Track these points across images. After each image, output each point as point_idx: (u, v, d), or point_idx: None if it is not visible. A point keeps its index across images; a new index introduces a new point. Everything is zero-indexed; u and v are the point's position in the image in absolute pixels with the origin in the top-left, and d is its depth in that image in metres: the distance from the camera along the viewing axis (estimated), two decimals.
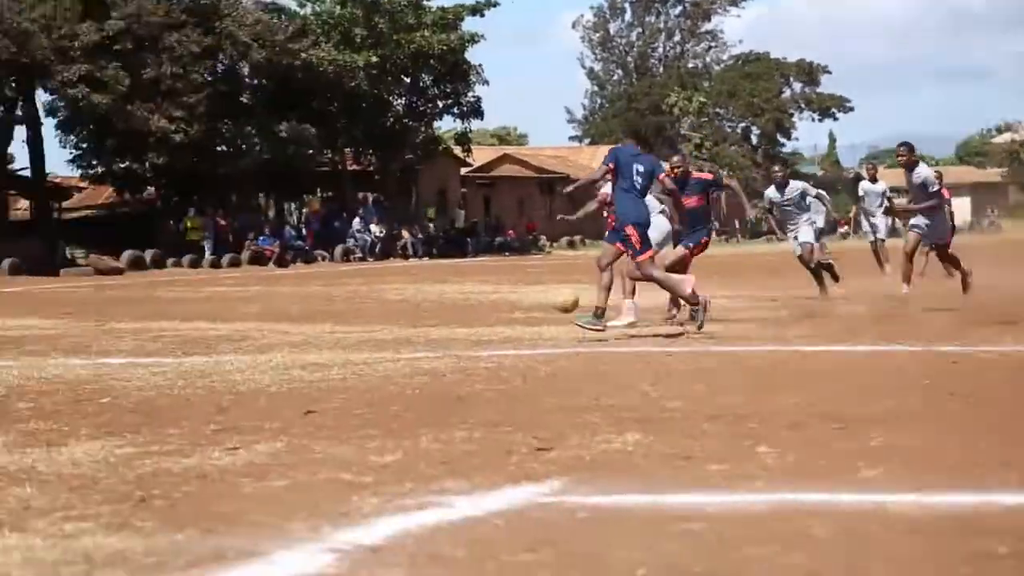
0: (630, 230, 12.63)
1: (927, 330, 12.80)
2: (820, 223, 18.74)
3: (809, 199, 18.24)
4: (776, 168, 22.97)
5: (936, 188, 16.12)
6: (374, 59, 49.28)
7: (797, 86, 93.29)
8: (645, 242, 12.76)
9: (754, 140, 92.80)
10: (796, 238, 18.21)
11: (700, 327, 12.63)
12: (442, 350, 11.84)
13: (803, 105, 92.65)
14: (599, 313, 12.67)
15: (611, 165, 12.97)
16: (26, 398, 9.04)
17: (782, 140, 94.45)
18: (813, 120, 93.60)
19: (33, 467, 6.33)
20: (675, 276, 13.36)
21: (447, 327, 14.55)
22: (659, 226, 14.37)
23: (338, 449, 6.76)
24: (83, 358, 11.98)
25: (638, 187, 12.81)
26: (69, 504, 5.38)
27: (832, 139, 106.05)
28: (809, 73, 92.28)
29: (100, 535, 4.80)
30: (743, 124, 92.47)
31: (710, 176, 16.91)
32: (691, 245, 14.94)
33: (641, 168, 12.88)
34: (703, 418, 7.51)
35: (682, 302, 13.69)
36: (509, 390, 8.99)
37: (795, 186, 18.42)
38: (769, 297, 19.01)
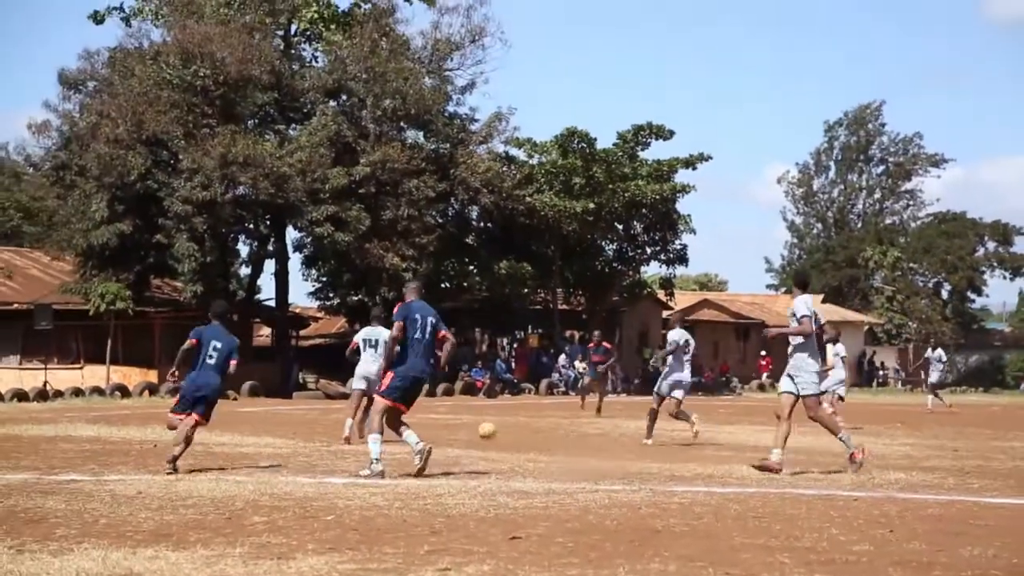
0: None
1: None
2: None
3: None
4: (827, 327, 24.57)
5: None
6: (591, 206, 49.74)
7: (991, 245, 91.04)
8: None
9: (944, 295, 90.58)
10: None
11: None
12: (638, 484, 11.77)
13: (995, 264, 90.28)
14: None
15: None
16: (260, 512, 9.28)
17: (972, 296, 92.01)
18: (1004, 278, 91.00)
19: None
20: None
21: (642, 461, 14.45)
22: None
23: (541, 575, 6.76)
24: (310, 476, 12.24)
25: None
26: None
27: (1022, 298, 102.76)
28: (1003, 233, 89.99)
29: None
30: (935, 279, 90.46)
31: None
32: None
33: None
34: (888, 563, 7.32)
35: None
36: (701, 526, 8.89)
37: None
38: (952, 447, 18.43)
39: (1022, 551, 7.89)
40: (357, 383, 18.37)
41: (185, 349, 13.67)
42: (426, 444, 12.53)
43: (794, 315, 13.54)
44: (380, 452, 12.38)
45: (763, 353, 60.58)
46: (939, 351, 35.41)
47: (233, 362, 13.51)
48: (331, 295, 47.66)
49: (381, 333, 18.11)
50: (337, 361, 46.85)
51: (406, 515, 9.19)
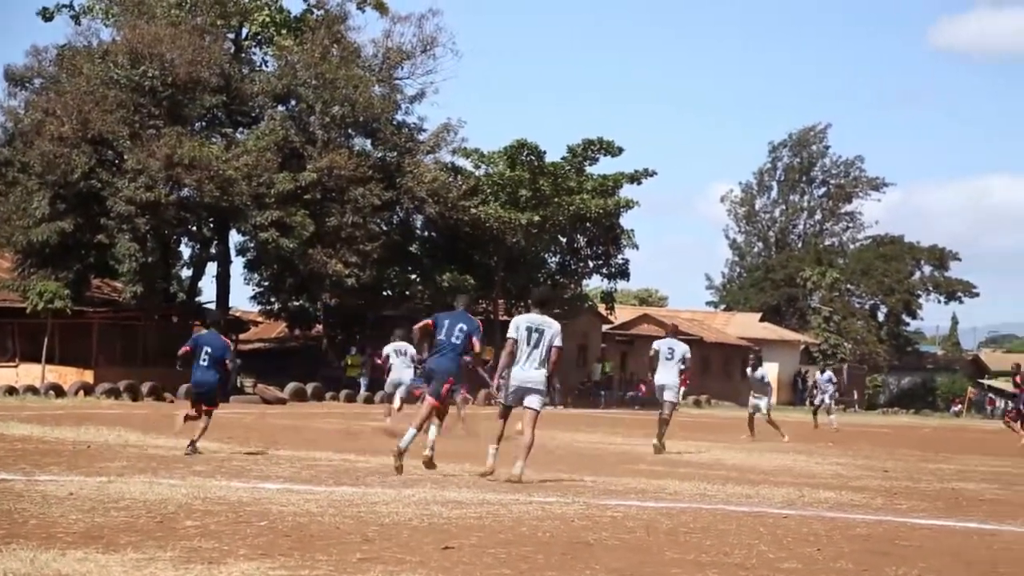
0: None
1: None
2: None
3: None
4: (751, 356, 29.86)
5: None
6: (536, 218, 49.86)
7: (927, 269, 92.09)
8: None
9: (880, 317, 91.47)
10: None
11: None
12: (572, 497, 11.79)
13: (931, 288, 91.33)
14: None
15: None
16: (192, 516, 9.20)
17: (907, 319, 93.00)
18: (939, 302, 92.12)
19: None
20: None
21: (577, 474, 14.48)
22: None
23: None
24: (244, 481, 12.16)
25: None
26: None
27: (955, 321, 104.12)
28: (940, 258, 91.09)
29: None
30: (872, 302, 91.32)
31: None
32: None
33: None
34: None
35: None
36: (633, 540, 8.91)
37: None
38: (882, 467, 18.61)
39: (946, 572, 7.98)
40: (388, 387, 23.53)
41: (180, 356, 16.40)
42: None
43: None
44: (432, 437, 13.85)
45: (682, 367, 60.82)
46: (828, 373, 36.29)
47: (228, 361, 16.14)
48: (272, 300, 47.48)
49: (405, 346, 22.93)
50: (277, 365, 46.78)
51: (339, 522, 9.15)
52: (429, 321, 14.31)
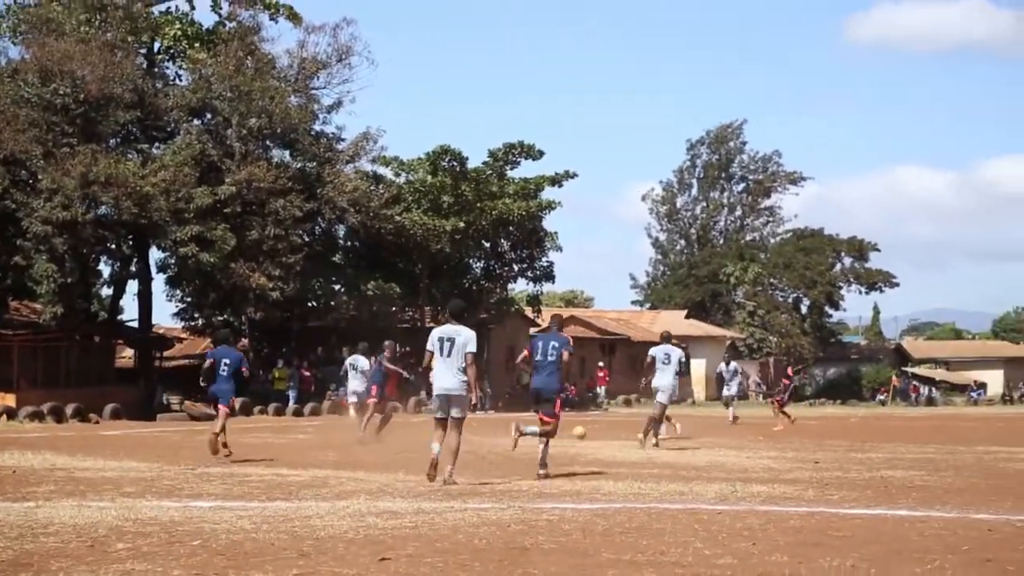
0: None
1: (961, 497, 12.60)
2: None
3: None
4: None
5: None
6: (459, 224, 49.81)
7: (847, 261, 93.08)
8: None
9: (803, 310, 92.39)
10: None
11: None
12: (507, 502, 11.81)
13: (852, 279, 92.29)
14: None
15: None
16: (124, 539, 9.10)
17: (830, 311, 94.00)
18: (860, 293, 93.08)
19: None
20: None
21: (511, 479, 14.50)
22: None
23: None
24: (176, 500, 12.05)
25: None
26: None
27: (876, 311, 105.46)
28: (859, 249, 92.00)
29: None
30: (795, 294, 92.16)
31: None
32: None
33: None
34: None
35: None
36: (569, 543, 8.94)
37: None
38: (812, 459, 18.81)
39: (879, 561, 8.08)
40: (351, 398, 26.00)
41: (205, 368, 18.59)
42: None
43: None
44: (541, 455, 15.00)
45: (600, 364, 60.83)
46: (733, 364, 36.86)
47: (244, 369, 18.38)
48: (196, 315, 46.99)
49: (359, 360, 25.54)
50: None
51: (274, 538, 9.09)
52: (527, 352, 15.89)
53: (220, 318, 45.96)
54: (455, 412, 14.06)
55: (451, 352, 14.03)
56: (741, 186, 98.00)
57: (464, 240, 51.66)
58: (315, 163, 47.06)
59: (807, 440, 25.41)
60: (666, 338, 23.16)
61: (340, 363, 51.48)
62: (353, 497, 12.22)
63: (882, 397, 76.43)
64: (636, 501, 11.94)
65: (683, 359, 22.22)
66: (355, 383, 25.51)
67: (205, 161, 43.60)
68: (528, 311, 59.03)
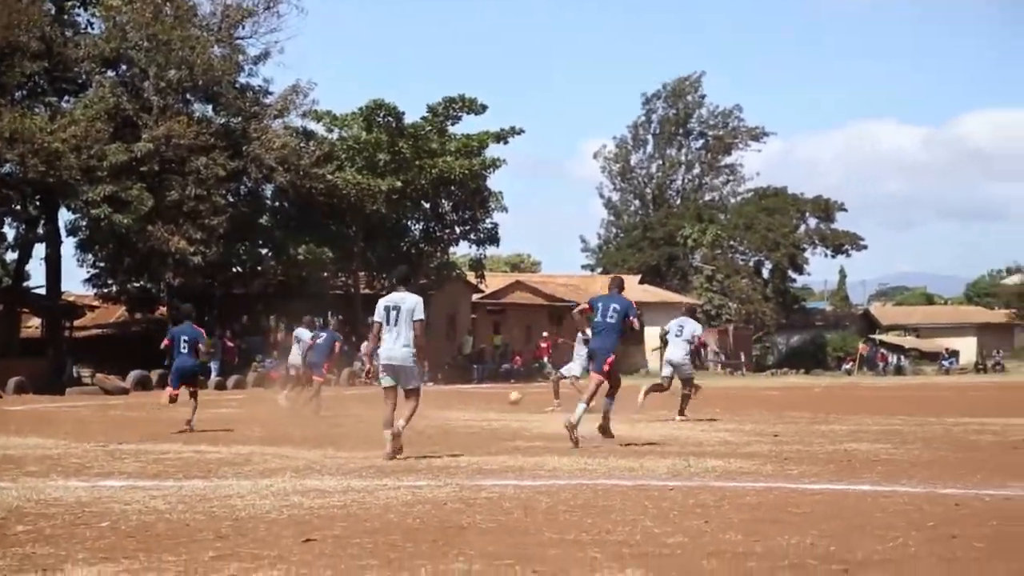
0: None
1: (928, 471, 12.71)
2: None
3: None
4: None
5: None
6: (396, 184, 49.64)
7: (812, 222, 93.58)
8: None
9: (765, 274, 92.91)
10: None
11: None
12: (444, 478, 11.79)
13: (817, 241, 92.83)
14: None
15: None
16: (25, 521, 8.99)
17: (793, 275, 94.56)
18: (826, 256, 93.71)
19: None
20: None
21: (449, 455, 14.48)
22: None
23: None
24: (84, 480, 11.94)
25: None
26: None
27: (842, 275, 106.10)
28: (825, 209, 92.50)
29: None
30: (756, 258, 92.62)
31: None
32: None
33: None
34: (703, 556, 7.45)
35: None
36: (509, 522, 8.93)
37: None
38: (772, 432, 18.92)
39: (839, 538, 8.12)
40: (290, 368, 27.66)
41: (164, 347, 20.10)
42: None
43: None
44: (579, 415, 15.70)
45: (545, 334, 60.93)
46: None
47: (201, 346, 19.78)
48: (110, 282, 46.66)
49: (303, 333, 26.99)
50: (117, 353, 45.93)
51: (189, 519, 9.02)
52: (587, 306, 16.66)
53: (136, 284, 45.64)
54: (405, 384, 14.25)
55: (397, 321, 14.14)
56: (699, 143, 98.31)
57: (401, 201, 51.53)
58: (240, 118, 46.70)
59: (767, 412, 25.58)
60: (689, 311, 24.46)
61: (266, 333, 51.53)
62: (277, 475, 12.16)
63: (848, 366, 77.17)
64: (582, 477, 11.94)
65: (696, 332, 22.89)
66: (295, 356, 27.02)
67: (120, 116, 43.13)
68: (471, 276, 59.02)
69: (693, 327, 22.93)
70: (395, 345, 14.11)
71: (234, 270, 48.75)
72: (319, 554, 7.54)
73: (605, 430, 16.30)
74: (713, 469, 12.78)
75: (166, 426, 20.29)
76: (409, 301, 14.20)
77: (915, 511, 9.52)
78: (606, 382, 16.17)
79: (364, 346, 28.82)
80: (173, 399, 20.11)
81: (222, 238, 44.08)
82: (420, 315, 14.11)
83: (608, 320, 16.18)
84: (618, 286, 17.04)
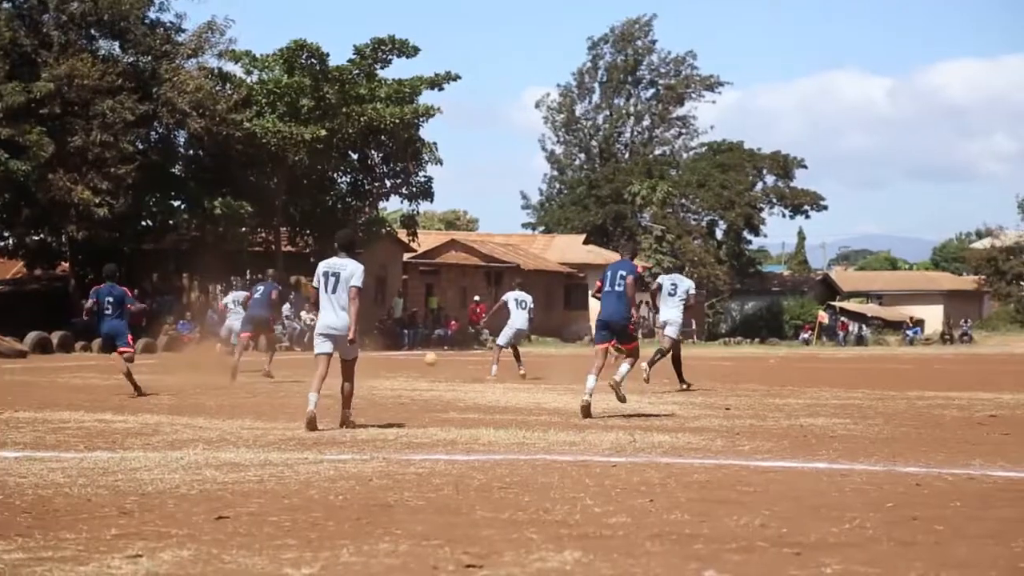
0: None
1: (889, 448, 12.86)
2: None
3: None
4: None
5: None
6: (321, 132, 49.34)
7: (770, 179, 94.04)
8: None
9: (719, 235, 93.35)
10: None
11: None
12: (370, 452, 11.80)
13: (774, 200, 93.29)
14: None
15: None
16: None
17: (749, 237, 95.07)
18: (784, 216, 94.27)
19: None
20: None
21: (376, 427, 14.49)
22: None
23: (251, 560, 6.70)
24: None
25: None
26: None
27: (801, 237, 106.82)
28: (783, 166, 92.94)
29: None
30: (709, 217, 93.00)
31: None
32: None
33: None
34: (646, 537, 7.50)
35: None
36: (440, 499, 8.96)
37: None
38: (723, 405, 19.06)
39: (792, 519, 8.20)
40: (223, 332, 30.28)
41: (87, 308, 20.70)
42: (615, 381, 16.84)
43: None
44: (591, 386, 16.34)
45: (476, 299, 60.86)
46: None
47: (129, 307, 20.56)
48: (5, 234, 46.24)
49: (240, 296, 29.33)
50: (14, 312, 45.45)
51: (91, 494, 8.98)
52: (599, 282, 17.21)
53: (35, 238, 45.22)
54: (342, 354, 14.58)
55: (335, 287, 14.47)
56: (650, 92, 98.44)
57: (327, 151, 51.27)
58: (150, 57, 46.26)
59: (719, 384, 25.75)
60: (678, 267, 24.98)
61: (179, 292, 51.26)
62: (189, 447, 12.13)
63: (806, 335, 77.87)
64: (520, 452, 11.99)
65: (691, 290, 23.44)
66: (233, 320, 28.72)
67: (16, 52, 42.62)
68: (402, 234, 58.88)
69: (687, 284, 23.44)
70: (332, 313, 14.45)
71: (144, 224, 48.37)
72: (233, 532, 7.53)
73: (618, 392, 17.04)
74: (659, 444, 12.86)
75: (67, 392, 20.17)
76: (349, 268, 14.51)
77: (874, 491, 9.63)
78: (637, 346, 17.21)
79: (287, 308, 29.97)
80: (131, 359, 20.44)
81: (130, 189, 43.70)
82: (357, 282, 14.40)
83: (616, 288, 16.80)
84: (630, 252, 17.81)
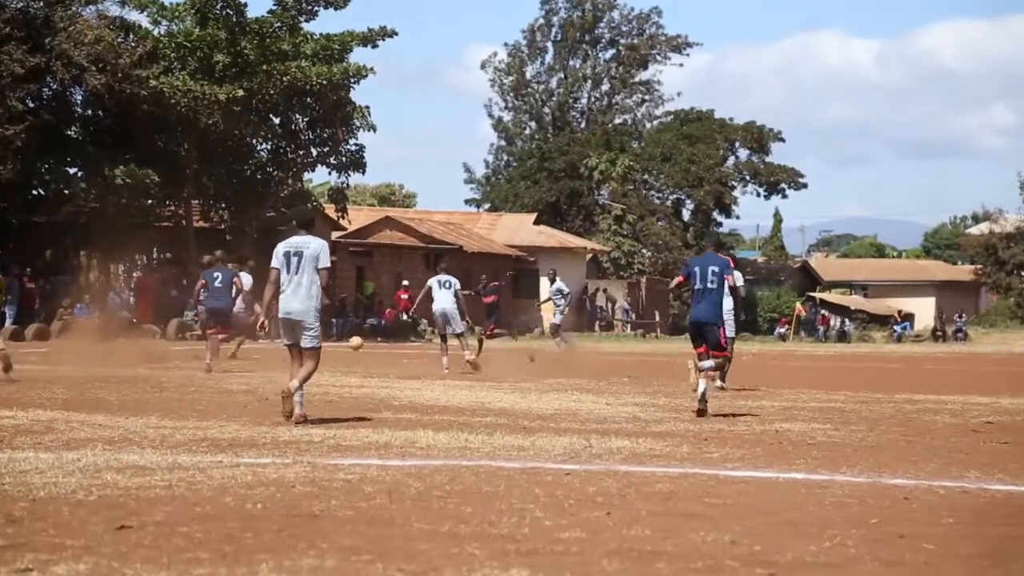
0: None
1: (873, 457, 12.95)
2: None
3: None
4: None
5: None
6: (238, 93, 49.05)
7: (743, 153, 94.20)
8: None
9: (686, 216, 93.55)
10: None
11: None
12: (293, 455, 11.81)
13: (748, 177, 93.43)
14: None
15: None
16: None
17: (719, 218, 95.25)
18: (759, 195, 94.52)
19: None
20: None
21: (300, 427, 14.49)
22: None
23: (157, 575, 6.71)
24: None
25: None
26: None
27: (778, 220, 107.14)
28: (759, 139, 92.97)
29: None
30: (675, 196, 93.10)
31: None
32: None
33: None
34: (603, 554, 7.55)
35: None
36: (371, 509, 8.98)
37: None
38: (689, 408, 19.14)
39: (766, 536, 8.26)
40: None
41: None
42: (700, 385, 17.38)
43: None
44: (703, 389, 17.32)
45: (405, 284, 60.66)
46: (558, 283, 38.02)
47: (27, 281, 20.73)
48: None
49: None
50: None
51: None
52: (681, 277, 17.85)
53: None
54: (305, 341, 15.12)
55: (299, 268, 14.87)
56: (609, 53, 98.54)
57: (245, 114, 51.06)
58: (42, 3, 45.93)
59: (684, 384, 25.84)
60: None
61: (76, 271, 50.97)
62: (87, 447, 12.09)
63: (783, 330, 78.25)
64: (462, 457, 12.03)
65: (739, 282, 19.98)
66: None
67: None
68: (330, 209, 58.70)
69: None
70: (295, 296, 14.91)
71: (35, 193, 48.07)
72: (136, 544, 7.52)
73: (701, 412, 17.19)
74: (618, 451, 12.92)
75: None
76: (314, 246, 14.91)
77: (856, 505, 9.72)
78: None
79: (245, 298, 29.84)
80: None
81: (19, 153, 43.42)
82: (326, 262, 14.90)
83: (710, 285, 17.25)
84: (714, 243, 18.47)
